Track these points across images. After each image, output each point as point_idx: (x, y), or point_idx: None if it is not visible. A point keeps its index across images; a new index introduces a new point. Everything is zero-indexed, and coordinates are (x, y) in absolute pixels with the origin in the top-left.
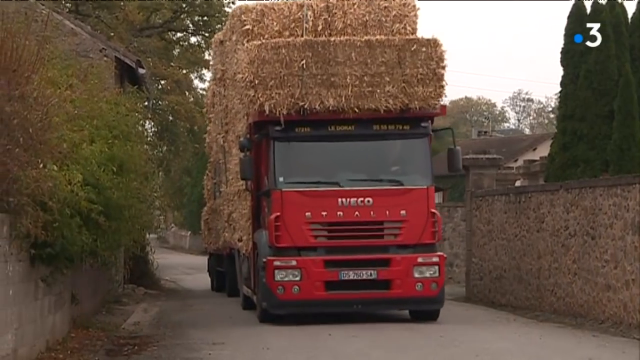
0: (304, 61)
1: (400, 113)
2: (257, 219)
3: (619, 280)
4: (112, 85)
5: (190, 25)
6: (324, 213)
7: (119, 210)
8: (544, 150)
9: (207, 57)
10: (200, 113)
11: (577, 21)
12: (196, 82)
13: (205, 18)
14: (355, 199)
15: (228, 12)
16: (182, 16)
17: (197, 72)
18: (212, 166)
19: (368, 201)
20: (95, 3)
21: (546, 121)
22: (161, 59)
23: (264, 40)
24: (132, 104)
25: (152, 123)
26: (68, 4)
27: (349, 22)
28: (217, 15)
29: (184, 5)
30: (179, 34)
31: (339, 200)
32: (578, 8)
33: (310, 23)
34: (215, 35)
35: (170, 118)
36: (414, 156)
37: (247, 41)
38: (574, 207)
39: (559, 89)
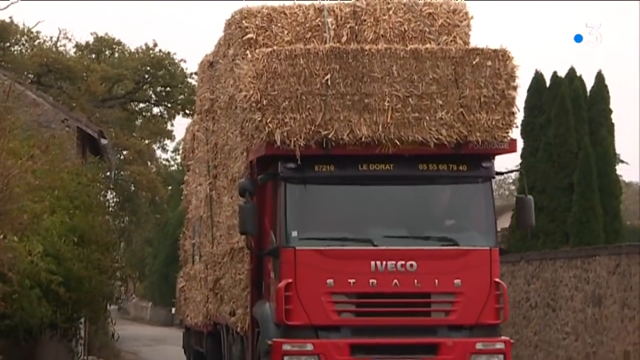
0: (328, 75)
1: (456, 148)
2: (257, 286)
3: (580, 352)
4: (74, 156)
5: (153, 96)
6: (352, 281)
7: (80, 282)
8: (504, 222)
9: (169, 127)
10: (162, 183)
11: (536, 94)
12: (158, 152)
13: (168, 89)
14: (394, 262)
15: (191, 83)
16: (144, 87)
17: (160, 142)
18: (191, 224)
19: (411, 266)
20: (58, 74)
21: (507, 193)
22: (123, 129)
23: (275, 47)
24: (93, 175)
25: (114, 193)
26: (30, 75)
27: (382, 31)
28: (179, 86)
29: (146, 76)
30: (141, 105)
31: (372, 263)
32: (537, 81)
33: (332, 32)
34: (203, 57)
35: (132, 188)
36: (473, 207)
37: (251, 52)
38: (535, 278)
39: (519, 161)
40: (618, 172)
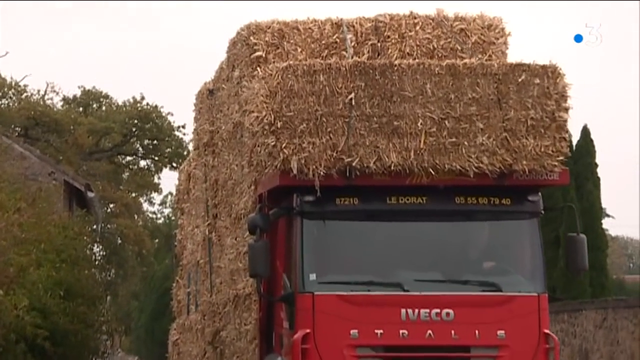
0: (352, 94)
1: (499, 179)
2: (267, 338)
3: None
4: (61, 209)
5: (140, 149)
6: (379, 332)
7: (66, 336)
8: None
9: (156, 180)
10: (149, 236)
11: None
12: (145, 205)
13: (155, 142)
14: (428, 310)
15: (178, 136)
16: (131, 140)
17: (146, 195)
18: (185, 271)
19: (447, 314)
20: (45, 127)
21: None
22: (110, 182)
23: (291, 62)
24: (80, 228)
25: (101, 247)
26: (17, 128)
27: (407, 49)
28: (167, 139)
29: (133, 129)
30: (128, 158)
31: (403, 311)
32: None
33: (352, 50)
34: (201, 86)
35: (119, 241)
36: (517, 246)
37: (262, 69)
38: None
39: None
40: (604, 226)
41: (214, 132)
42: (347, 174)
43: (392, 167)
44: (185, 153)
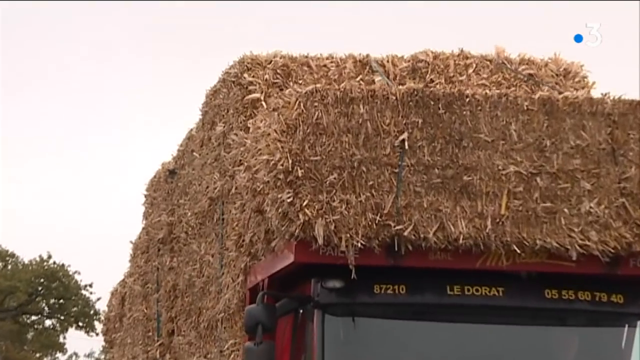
0: (405, 135)
1: (611, 265)
2: None
3: None
4: None
5: (46, 308)
6: None
7: None
8: None
9: (61, 340)
10: None
11: None
12: None
13: (62, 301)
14: None
15: (85, 295)
16: (37, 299)
17: (51, 355)
18: None
19: None
20: None
21: None
22: (14, 342)
23: (318, 85)
24: None
25: None
26: None
27: None
28: (73, 298)
29: (39, 288)
30: (33, 317)
31: None
32: None
33: None
34: (156, 171)
35: None
36: None
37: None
38: None
39: None
40: None
41: (173, 224)
42: (395, 249)
43: (460, 242)
44: (92, 312)
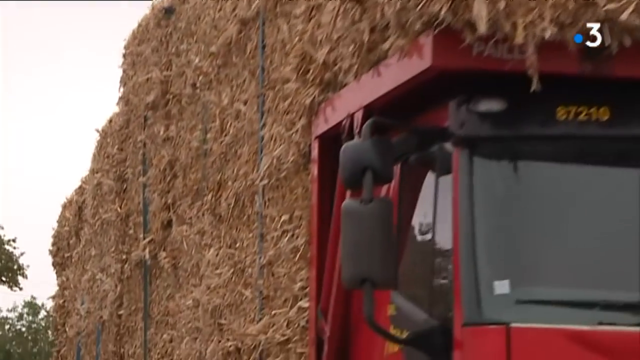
0: None
1: None
2: None
3: None
4: None
5: None
6: None
7: None
8: None
9: None
10: None
11: None
12: None
13: None
14: None
15: (8, 250)
16: None
17: None
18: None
19: None
20: None
21: None
22: None
23: None
24: None
25: None
26: None
27: None
28: None
29: None
30: None
31: None
32: None
33: None
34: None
35: None
36: None
37: None
38: None
39: None
40: None
41: (169, 81)
42: (599, 47)
43: None
44: (15, 267)
